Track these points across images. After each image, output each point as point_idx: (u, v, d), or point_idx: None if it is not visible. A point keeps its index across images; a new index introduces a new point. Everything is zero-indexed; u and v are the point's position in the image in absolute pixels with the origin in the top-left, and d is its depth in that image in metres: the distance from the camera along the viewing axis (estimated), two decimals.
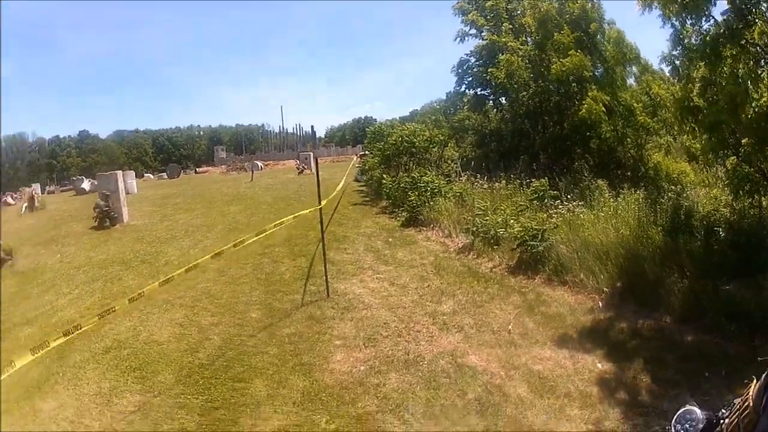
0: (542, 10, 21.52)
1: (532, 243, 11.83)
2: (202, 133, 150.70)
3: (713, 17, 9.77)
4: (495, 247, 13.29)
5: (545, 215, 13.19)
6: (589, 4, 20.83)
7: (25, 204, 35.93)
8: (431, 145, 23.68)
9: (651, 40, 16.11)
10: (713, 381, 6.87)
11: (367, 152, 34.47)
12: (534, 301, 10.20)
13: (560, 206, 13.64)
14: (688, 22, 10.17)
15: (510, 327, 9.13)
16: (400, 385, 7.61)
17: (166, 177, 63.44)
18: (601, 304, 9.58)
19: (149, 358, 9.28)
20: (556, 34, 20.42)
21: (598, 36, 20.66)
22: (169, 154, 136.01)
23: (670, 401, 6.55)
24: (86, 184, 46.72)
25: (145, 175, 75.82)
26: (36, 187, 48.80)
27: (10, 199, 47.73)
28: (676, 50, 10.75)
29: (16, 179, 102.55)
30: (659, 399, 6.72)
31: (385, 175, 23.07)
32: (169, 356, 9.30)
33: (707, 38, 9.66)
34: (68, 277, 15.27)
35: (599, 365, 7.63)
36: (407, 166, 23.09)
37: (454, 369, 7.92)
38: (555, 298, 10.21)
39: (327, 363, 8.49)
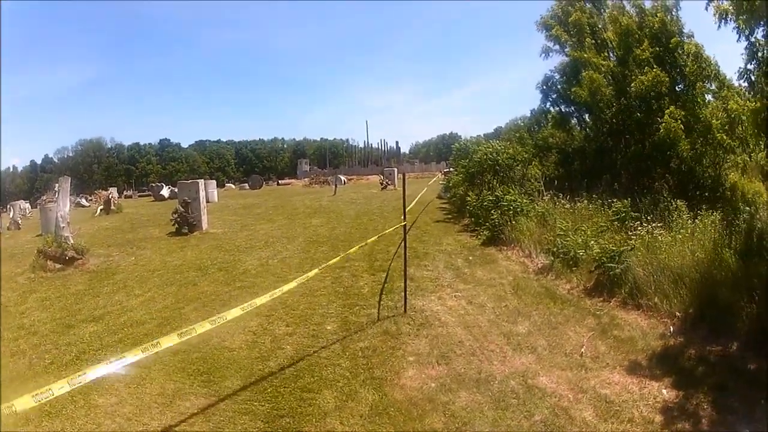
0: (623, 24, 21.27)
1: (609, 265, 11.68)
2: (285, 145, 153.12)
3: None
4: (574, 268, 13.18)
5: (624, 236, 13.02)
6: (668, 17, 20.47)
7: (101, 206, 36.99)
8: (515, 163, 23.52)
9: (730, 54, 15.85)
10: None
11: (451, 169, 34.59)
12: (608, 324, 10.08)
13: (640, 227, 13.35)
14: (760, 35, 10.04)
15: (582, 350, 9.05)
16: (469, 403, 7.54)
17: (248, 187, 64.87)
18: (672, 329, 9.44)
19: (218, 364, 9.42)
20: (636, 49, 20.21)
21: (678, 51, 20.26)
22: (252, 165, 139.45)
23: (727, 428, 6.52)
24: (165, 191, 48.68)
25: (226, 184, 77.74)
26: (113, 191, 49.94)
27: (84, 201, 49.25)
28: (751, 64, 10.60)
29: (92, 182, 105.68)
30: (717, 425, 6.62)
31: (470, 193, 23.19)
32: (238, 363, 9.42)
33: None
34: (141, 280, 15.62)
35: (664, 391, 7.50)
36: (491, 184, 22.90)
37: (524, 390, 7.84)
38: (629, 322, 10.07)
39: (398, 378, 8.45)
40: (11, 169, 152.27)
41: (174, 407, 7.94)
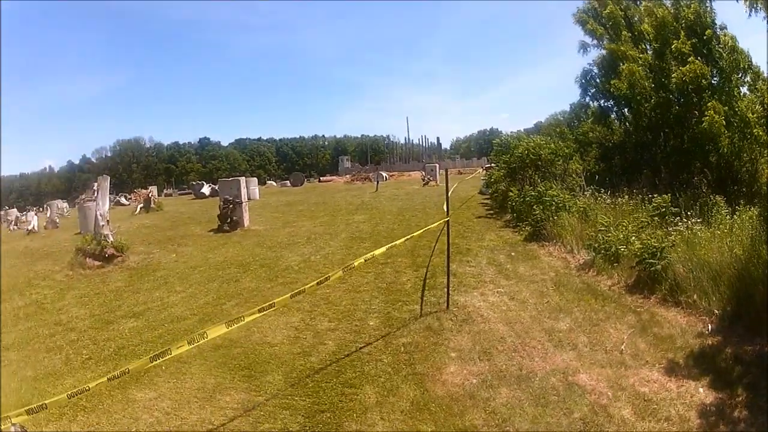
0: (659, 16, 21.11)
1: (650, 261, 11.64)
2: (326, 143, 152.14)
3: None
4: (615, 264, 13.13)
5: (664, 232, 12.94)
6: (702, 9, 20.30)
7: (140, 204, 37.48)
8: (556, 158, 23.41)
9: (760, 45, 15.45)
10: None
11: (492, 164, 34.33)
12: (648, 321, 10.06)
13: (680, 223, 13.37)
14: None
15: (622, 347, 9.07)
16: (510, 400, 7.64)
17: (289, 184, 64.75)
18: (710, 328, 9.41)
19: (259, 359, 9.57)
20: (673, 41, 20.01)
21: (713, 42, 20.11)
22: (293, 162, 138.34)
23: (758, 427, 6.56)
24: (206, 189, 48.68)
25: (267, 182, 77.02)
26: (152, 189, 50.41)
27: (123, 200, 50.09)
28: None
29: (131, 181, 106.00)
30: (750, 426, 6.66)
31: (511, 188, 23.06)
32: (280, 358, 9.54)
33: None
34: (182, 276, 15.91)
35: (701, 390, 7.53)
36: (532, 180, 22.89)
37: (564, 387, 7.92)
38: (668, 319, 10.04)
39: (440, 374, 8.54)
40: (47, 170, 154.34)
41: (214, 402, 8.11)
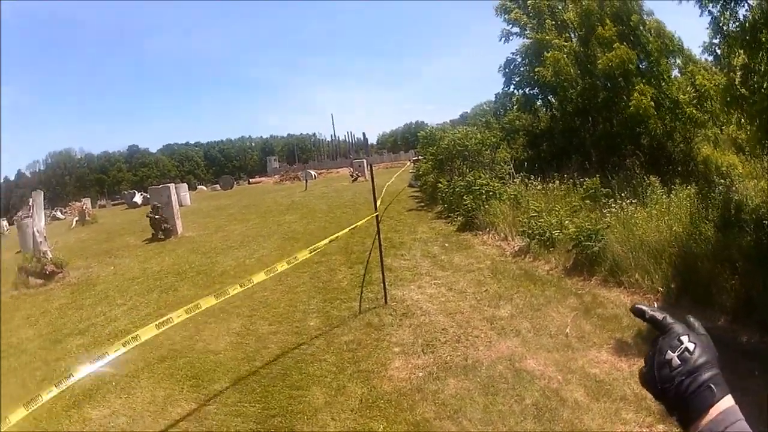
0: (584, 4, 21.29)
1: (587, 243, 11.66)
2: (253, 144, 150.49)
3: (748, 2, 9.63)
4: (551, 249, 13.15)
5: (599, 215, 13.05)
6: None
7: (76, 218, 36.48)
8: (483, 148, 23.48)
9: (692, 29, 15.73)
10: (760, 379, 6.68)
11: (420, 157, 34.43)
12: (590, 303, 10.06)
13: (613, 205, 13.39)
14: (719, 8, 10.03)
15: (567, 330, 9.01)
16: (459, 391, 7.50)
17: (219, 188, 63.75)
18: (656, 305, 9.07)
19: (205, 367, 9.35)
20: (598, 28, 20.21)
21: (640, 28, 20.26)
22: (222, 165, 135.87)
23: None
24: (138, 198, 48.15)
25: (198, 187, 75.89)
26: (86, 202, 48.79)
27: (59, 214, 48.51)
28: (716, 38, 10.56)
29: (65, 194, 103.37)
30: None
31: (441, 180, 23.05)
32: (225, 365, 9.36)
33: (746, 25, 9.50)
34: (122, 289, 15.57)
35: None
36: (461, 170, 22.93)
37: (512, 374, 7.79)
38: (611, 300, 10.06)
39: (385, 370, 8.41)
40: None
41: (166, 414, 7.87)
